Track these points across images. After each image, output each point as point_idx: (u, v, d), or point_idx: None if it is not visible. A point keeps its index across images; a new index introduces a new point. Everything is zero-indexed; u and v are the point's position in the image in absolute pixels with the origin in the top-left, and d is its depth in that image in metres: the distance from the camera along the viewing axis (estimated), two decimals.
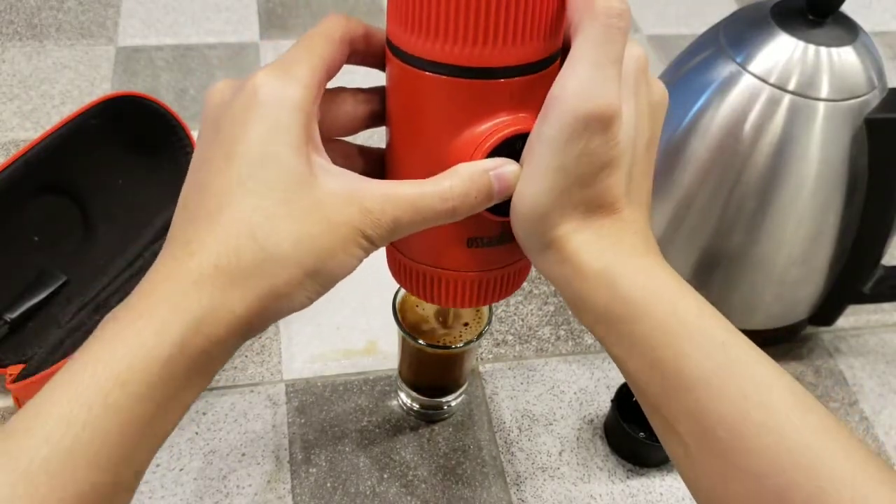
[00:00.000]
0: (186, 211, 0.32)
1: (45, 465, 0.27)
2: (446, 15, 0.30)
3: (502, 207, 0.34)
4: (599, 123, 0.31)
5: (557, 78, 0.32)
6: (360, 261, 0.33)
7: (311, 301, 0.32)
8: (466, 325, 0.55)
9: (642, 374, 0.33)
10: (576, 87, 0.31)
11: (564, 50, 0.34)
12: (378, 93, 0.37)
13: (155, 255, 0.33)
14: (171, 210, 0.33)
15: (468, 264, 0.37)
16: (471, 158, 0.33)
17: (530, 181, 0.33)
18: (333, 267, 0.32)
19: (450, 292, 0.38)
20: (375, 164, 0.38)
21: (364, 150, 0.38)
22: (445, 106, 0.33)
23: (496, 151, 0.33)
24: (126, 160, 0.65)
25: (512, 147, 0.33)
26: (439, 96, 0.33)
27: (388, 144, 0.37)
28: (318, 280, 0.32)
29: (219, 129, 0.32)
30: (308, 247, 0.31)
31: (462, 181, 0.33)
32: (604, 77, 0.31)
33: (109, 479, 0.28)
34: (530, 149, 0.33)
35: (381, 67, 0.36)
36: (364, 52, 0.35)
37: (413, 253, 0.38)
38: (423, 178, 0.34)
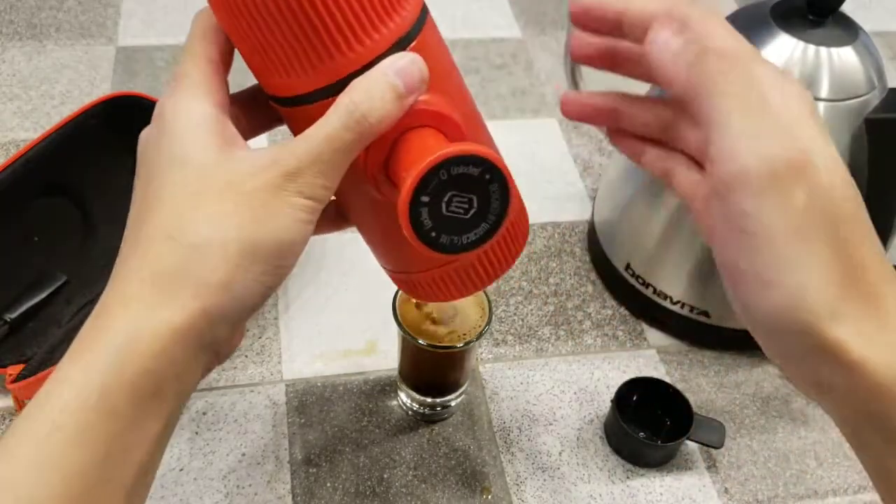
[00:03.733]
0: (120, 252, 0.32)
1: None
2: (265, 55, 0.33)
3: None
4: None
5: (734, 154, 0.29)
6: (304, 222, 0.31)
7: (266, 287, 0.31)
8: (461, 334, 0.55)
9: None
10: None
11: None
12: None
13: None
14: None
15: (440, 259, 0.35)
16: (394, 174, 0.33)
17: (788, 271, 0.27)
18: (269, 236, 0.30)
19: (439, 289, 0.38)
20: None
21: None
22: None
23: (428, 180, 0.30)
24: (126, 160, 0.64)
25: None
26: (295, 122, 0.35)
27: None
28: (259, 257, 0.30)
29: (144, 163, 0.33)
30: (227, 224, 0.30)
31: (359, 89, 0.30)
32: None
33: None
34: (763, 239, 0.29)
35: None
36: None
37: (393, 266, 0.39)
38: None
